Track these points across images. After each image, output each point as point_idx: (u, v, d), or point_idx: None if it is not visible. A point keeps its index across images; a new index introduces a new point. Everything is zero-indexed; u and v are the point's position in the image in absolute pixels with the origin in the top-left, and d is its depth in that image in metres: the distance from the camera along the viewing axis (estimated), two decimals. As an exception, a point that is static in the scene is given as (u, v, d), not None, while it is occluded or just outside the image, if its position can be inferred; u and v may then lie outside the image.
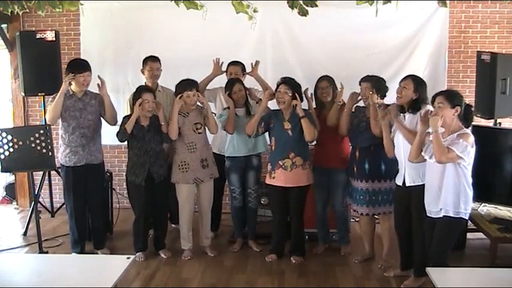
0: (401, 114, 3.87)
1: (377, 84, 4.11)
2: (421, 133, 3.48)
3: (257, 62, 4.90)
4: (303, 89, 4.40)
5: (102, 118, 4.56)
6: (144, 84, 4.70)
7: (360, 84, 4.19)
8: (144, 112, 4.30)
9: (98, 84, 4.43)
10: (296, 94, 4.25)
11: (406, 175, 3.78)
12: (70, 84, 4.38)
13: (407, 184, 3.78)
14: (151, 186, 4.41)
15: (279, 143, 4.31)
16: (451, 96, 3.39)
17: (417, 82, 3.79)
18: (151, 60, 4.79)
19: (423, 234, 3.66)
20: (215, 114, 4.68)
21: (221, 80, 4.84)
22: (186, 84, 4.39)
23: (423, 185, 3.62)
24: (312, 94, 4.47)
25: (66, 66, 4.47)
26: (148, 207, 4.48)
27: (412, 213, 3.78)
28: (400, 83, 3.84)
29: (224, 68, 4.88)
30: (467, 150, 3.28)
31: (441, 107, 3.34)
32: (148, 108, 4.30)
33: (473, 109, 3.57)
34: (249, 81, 4.83)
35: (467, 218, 3.44)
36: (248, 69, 4.87)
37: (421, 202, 3.58)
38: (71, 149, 4.42)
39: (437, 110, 3.35)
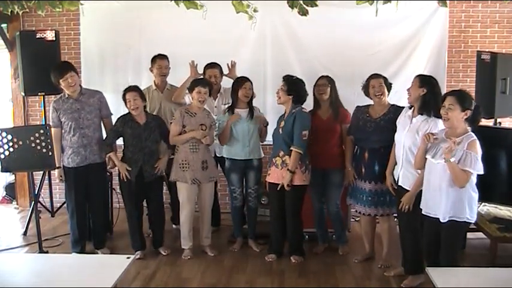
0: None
1: (387, 83, 4.17)
2: (422, 150, 3.48)
3: (234, 64, 4.91)
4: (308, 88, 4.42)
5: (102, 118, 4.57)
6: (131, 84, 4.62)
7: (367, 81, 4.18)
8: (131, 111, 4.33)
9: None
10: (296, 91, 4.27)
11: (400, 175, 3.82)
12: (62, 90, 4.40)
13: (399, 183, 3.84)
14: (142, 184, 4.42)
15: (274, 141, 4.38)
16: (462, 99, 3.32)
17: (422, 78, 3.79)
18: (159, 58, 4.81)
19: (412, 232, 3.76)
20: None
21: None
22: (200, 81, 4.44)
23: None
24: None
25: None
26: (139, 204, 4.51)
27: (401, 210, 3.82)
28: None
29: (201, 71, 4.88)
30: (477, 161, 3.25)
31: (451, 108, 3.31)
32: (133, 107, 4.31)
33: (481, 110, 3.48)
34: (229, 82, 4.82)
35: (473, 221, 3.43)
36: (225, 70, 4.90)
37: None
38: (73, 150, 4.42)
39: (447, 111, 3.32)
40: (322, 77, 4.48)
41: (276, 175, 4.32)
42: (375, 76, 4.19)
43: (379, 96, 4.14)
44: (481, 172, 3.29)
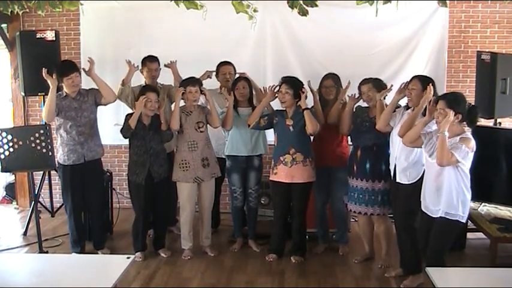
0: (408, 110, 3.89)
1: (376, 84, 4.11)
2: (424, 122, 3.49)
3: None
4: (305, 84, 4.40)
5: (101, 106, 4.54)
6: (149, 83, 4.71)
7: (359, 88, 4.18)
8: (146, 111, 4.31)
9: (84, 69, 4.42)
10: (300, 92, 4.24)
11: (397, 172, 3.84)
12: (61, 87, 4.39)
13: (397, 180, 3.85)
14: (151, 186, 4.41)
15: (281, 139, 4.35)
16: (454, 103, 3.32)
17: (424, 82, 3.75)
18: (149, 61, 4.79)
19: (409, 232, 3.76)
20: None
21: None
22: (189, 81, 4.41)
23: (410, 184, 3.72)
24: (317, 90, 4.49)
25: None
26: (148, 207, 4.49)
27: (398, 209, 3.84)
28: (407, 85, 3.83)
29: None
30: (468, 156, 3.28)
31: (442, 113, 3.32)
32: (151, 108, 4.32)
33: (478, 110, 3.52)
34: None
35: (464, 221, 3.44)
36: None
37: (406, 201, 3.70)
38: (69, 148, 4.42)
39: (439, 115, 3.33)
40: (327, 76, 4.47)
41: (285, 173, 4.31)
42: (364, 82, 4.15)
43: (368, 102, 4.15)
44: (467, 166, 3.31)
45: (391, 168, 3.92)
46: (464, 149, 3.26)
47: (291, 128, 4.31)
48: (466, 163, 3.31)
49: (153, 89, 4.43)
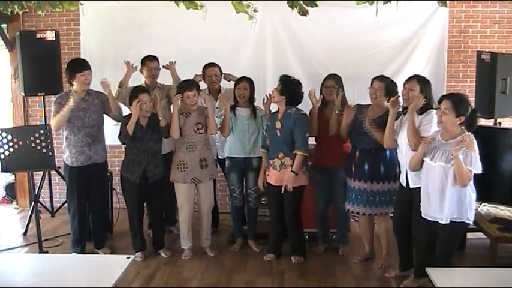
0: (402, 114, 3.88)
1: (389, 88, 4.05)
2: (420, 152, 3.50)
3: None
4: (308, 89, 4.38)
5: (106, 115, 4.56)
6: (141, 84, 4.69)
7: (372, 82, 4.12)
8: (143, 113, 4.31)
9: (102, 83, 4.44)
10: (289, 91, 4.25)
11: (409, 177, 3.79)
12: (71, 84, 4.39)
13: (411, 186, 3.78)
14: (146, 186, 4.41)
15: (271, 142, 4.35)
16: (458, 105, 3.34)
17: (423, 83, 3.76)
18: (149, 60, 4.79)
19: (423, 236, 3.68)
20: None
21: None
22: (185, 85, 4.40)
23: None
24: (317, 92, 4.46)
25: (66, 66, 4.48)
26: (141, 206, 4.51)
27: (414, 214, 3.77)
28: (404, 84, 3.81)
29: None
30: (477, 160, 3.29)
31: (446, 113, 3.33)
32: (146, 109, 4.31)
33: (478, 114, 3.53)
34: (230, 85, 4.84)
35: (471, 222, 3.45)
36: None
37: None
38: (77, 149, 4.42)
39: (442, 114, 3.34)
40: (329, 77, 4.44)
41: (274, 177, 4.31)
42: (378, 79, 4.11)
43: (373, 99, 4.12)
44: (479, 171, 3.30)
45: (403, 175, 3.86)
46: (473, 157, 3.27)
47: (278, 132, 4.28)
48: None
49: (144, 90, 4.41)
